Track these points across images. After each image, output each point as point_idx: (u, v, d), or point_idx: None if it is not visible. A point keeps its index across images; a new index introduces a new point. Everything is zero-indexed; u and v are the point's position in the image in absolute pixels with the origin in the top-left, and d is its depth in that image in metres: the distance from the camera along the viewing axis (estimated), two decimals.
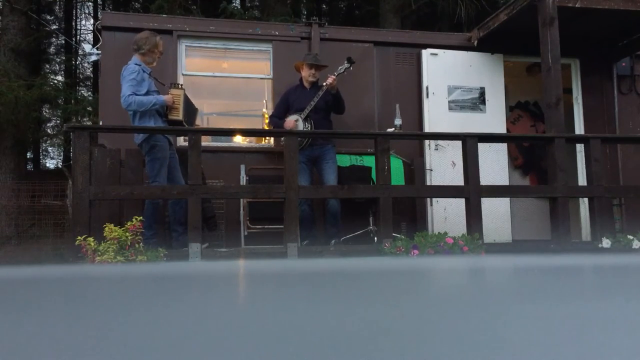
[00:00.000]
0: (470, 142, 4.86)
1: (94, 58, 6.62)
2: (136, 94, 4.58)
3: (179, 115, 4.79)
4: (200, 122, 6.50)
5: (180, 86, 4.92)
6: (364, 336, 1.34)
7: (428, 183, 5.80)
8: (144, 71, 4.74)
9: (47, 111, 13.94)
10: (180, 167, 4.94)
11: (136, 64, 4.71)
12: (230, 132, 5.65)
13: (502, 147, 6.13)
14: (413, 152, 5.98)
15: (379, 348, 1.21)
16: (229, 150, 5.72)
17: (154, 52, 4.82)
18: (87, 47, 7.15)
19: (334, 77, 5.19)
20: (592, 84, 6.62)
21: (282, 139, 5.04)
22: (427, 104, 6.05)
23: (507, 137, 6.42)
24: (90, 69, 16.03)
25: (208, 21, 6.22)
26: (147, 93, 4.68)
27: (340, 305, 1.80)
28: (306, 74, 5.34)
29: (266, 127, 5.87)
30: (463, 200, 4.90)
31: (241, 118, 7.06)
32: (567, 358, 1.17)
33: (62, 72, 16.20)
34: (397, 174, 5.49)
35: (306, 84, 5.36)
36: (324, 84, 5.21)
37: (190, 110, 5.00)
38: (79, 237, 4.05)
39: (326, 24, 6.17)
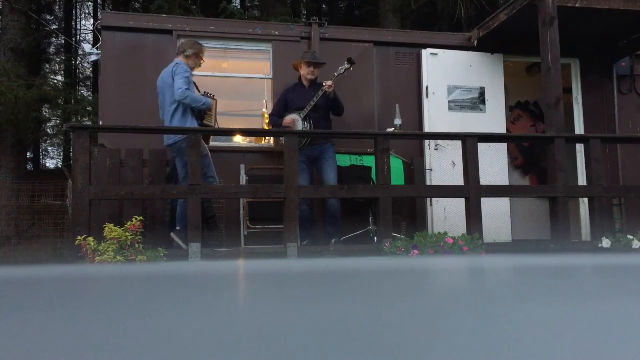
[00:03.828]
0: (470, 142, 4.86)
1: (94, 58, 6.61)
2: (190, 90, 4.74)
3: (211, 121, 5.00)
4: None
5: (213, 97, 5.07)
6: (364, 336, 1.34)
7: (428, 183, 5.80)
8: (190, 75, 4.88)
9: (47, 111, 13.93)
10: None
11: (187, 65, 4.86)
12: (230, 132, 5.65)
13: (502, 147, 6.12)
14: (413, 152, 5.98)
15: (379, 348, 1.21)
16: (229, 150, 5.72)
17: (198, 58, 4.97)
18: (87, 47, 7.14)
19: (331, 82, 5.16)
20: (592, 84, 6.62)
21: (282, 138, 5.04)
22: (427, 104, 6.05)
23: (507, 137, 6.42)
24: (90, 69, 16.03)
25: (208, 21, 6.22)
26: None
27: (340, 305, 1.80)
28: (305, 72, 5.33)
29: (266, 127, 5.87)
30: (463, 200, 4.90)
31: (241, 118, 7.06)
32: (567, 358, 1.17)
33: (62, 72, 16.21)
34: (397, 174, 5.49)
35: (305, 83, 5.36)
36: (323, 86, 5.19)
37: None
38: (79, 237, 4.05)
39: (326, 24, 6.17)
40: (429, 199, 5.80)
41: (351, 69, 5.36)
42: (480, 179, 4.84)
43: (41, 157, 17.93)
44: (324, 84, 5.17)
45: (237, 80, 6.19)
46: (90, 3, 17.95)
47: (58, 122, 14.13)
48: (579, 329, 1.41)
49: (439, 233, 4.64)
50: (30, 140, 13.61)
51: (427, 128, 5.98)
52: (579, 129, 6.47)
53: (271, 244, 4.79)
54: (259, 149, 5.92)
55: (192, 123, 4.81)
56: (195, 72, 5.31)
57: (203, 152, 4.80)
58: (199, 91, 5.14)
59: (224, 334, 1.37)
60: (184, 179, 4.80)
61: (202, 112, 4.95)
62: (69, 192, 5.20)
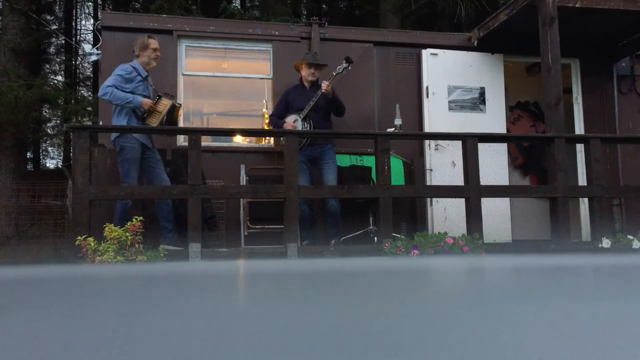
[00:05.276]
0: (470, 142, 4.86)
1: (94, 58, 6.61)
2: (116, 87, 4.65)
3: (154, 123, 4.80)
4: (200, 123, 6.50)
5: (170, 97, 4.92)
6: (364, 336, 1.34)
7: (428, 183, 5.80)
8: (139, 74, 4.80)
9: (47, 111, 13.93)
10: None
11: (131, 65, 4.82)
12: (230, 132, 5.65)
13: (502, 147, 6.12)
14: (413, 152, 5.98)
15: (379, 348, 1.21)
16: (229, 150, 5.72)
17: (146, 52, 4.86)
18: (87, 47, 7.14)
19: (327, 83, 5.15)
20: (592, 84, 6.62)
21: (282, 138, 5.04)
22: (427, 104, 6.05)
23: (507, 137, 6.41)
24: (90, 69, 16.03)
25: (208, 21, 6.22)
26: (132, 93, 4.74)
27: (340, 305, 1.80)
28: (305, 73, 5.33)
29: (266, 127, 5.87)
30: (463, 200, 4.90)
31: (241, 118, 7.06)
32: (567, 358, 1.17)
33: (62, 72, 16.20)
34: (397, 174, 5.49)
35: (306, 84, 5.36)
36: (321, 89, 5.18)
37: (172, 123, 4.92)
38: (79, 237, 4.05)
39: (326, 24, 6.17)
40: (429, 199, 5.80)
41: (349, 67, 5.36)
42: (480, 179, 4.85)
43: (41, 157, 17.92)
44: (322, 84, 5.17)
45: (237, 80, 6.19)
46: (90, 3, 17.93)
47: (58, 122, 14.12)
48: (579, 329, 1.41)
49: (439, 233, 4.63)
50: (30, 140, 13.60)
51: (427, 128, 5.98)
52: (579, 129, 6.47)
53: (271, 244, 4.79)
54: (259, 149, 5.92)
55: (123, 122, 4.74)
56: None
57: (126, 155, 4.68)
58: (157, 92, 5.01)
59: (224, 334, 1.37)
60: (123, 181, 4.71)
61: (143, 112, 4.79)
62: (69, 192, 5.20)
